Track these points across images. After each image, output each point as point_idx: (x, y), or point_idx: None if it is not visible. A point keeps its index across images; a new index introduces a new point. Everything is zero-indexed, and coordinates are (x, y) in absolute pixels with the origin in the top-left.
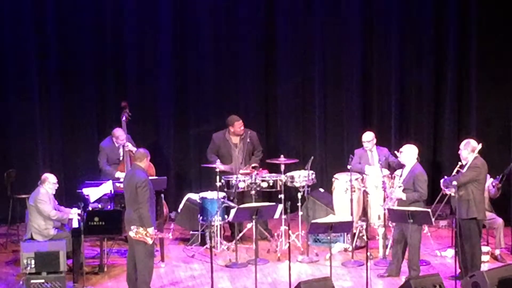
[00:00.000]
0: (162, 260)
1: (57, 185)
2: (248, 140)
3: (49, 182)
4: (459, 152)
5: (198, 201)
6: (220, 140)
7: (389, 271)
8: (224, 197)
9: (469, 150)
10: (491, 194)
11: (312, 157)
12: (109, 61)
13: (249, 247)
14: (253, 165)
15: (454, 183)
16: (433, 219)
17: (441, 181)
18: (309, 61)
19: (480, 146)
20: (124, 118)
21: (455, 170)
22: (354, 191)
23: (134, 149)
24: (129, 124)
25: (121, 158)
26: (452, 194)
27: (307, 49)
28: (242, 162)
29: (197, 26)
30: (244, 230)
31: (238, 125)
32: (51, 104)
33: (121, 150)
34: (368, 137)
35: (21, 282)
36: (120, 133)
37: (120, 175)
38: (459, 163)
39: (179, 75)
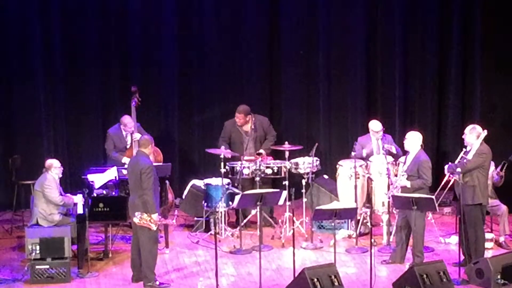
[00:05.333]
0: (167, 246)
1: (62, 168)
2: (252, 126)
3: (55, 167)
4: (463, 136)
5: (203, 187)
6: (231, 127)
7: (393, 258)
8: (228, 184)
9: (474, 135)
10: (495, 182)
11: (317, 144)
12: (113, 47)
13: (254, 233)
14: (258, 151)
15: (459, 170)
16: (437, 206)
17: (446, 166)
18: (314, 48)
19: (485, 132)
20: (133, 103)
21: (459, 156)
22: (358, 178)
23: None
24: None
25: (128, 146)
26: (458, 180)
27: (311, 37)
28: (253, 150)
29: (201, 13)
30: (249, 217)
31: (236, 116)
32: (56, 90)
33: (128, 138)
34: (378, 127)
35: (26, 268)
36: (128, 121)
37: (126, 160)
38: (463, 149)
39: (184, 62)
